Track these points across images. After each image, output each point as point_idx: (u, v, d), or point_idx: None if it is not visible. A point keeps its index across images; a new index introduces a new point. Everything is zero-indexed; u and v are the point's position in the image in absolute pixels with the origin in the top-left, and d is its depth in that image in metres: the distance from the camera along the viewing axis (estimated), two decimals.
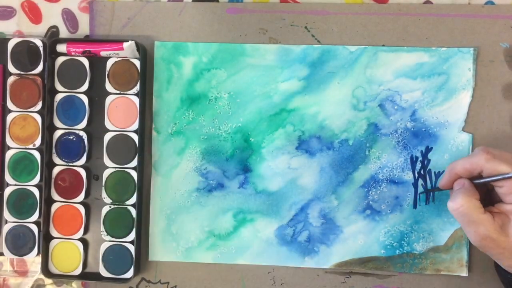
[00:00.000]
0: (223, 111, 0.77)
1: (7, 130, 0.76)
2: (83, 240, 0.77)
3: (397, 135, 0.75)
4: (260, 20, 0.76)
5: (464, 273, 0.75)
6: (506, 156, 0.65)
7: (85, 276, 0.77)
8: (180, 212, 0.77)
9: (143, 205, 0.77)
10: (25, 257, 0.77)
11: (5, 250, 0.77)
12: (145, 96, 0.77)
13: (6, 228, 0.77)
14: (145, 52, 0.76)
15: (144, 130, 0.77)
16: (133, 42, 0.73)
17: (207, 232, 0.77)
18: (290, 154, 0.76)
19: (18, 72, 0.76)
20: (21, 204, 0.76)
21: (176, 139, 0.77)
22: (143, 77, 0.76)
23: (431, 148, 0.75)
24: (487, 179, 0.65)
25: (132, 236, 0.75)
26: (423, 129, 0.75)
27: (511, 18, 0.74)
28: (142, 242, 0.77)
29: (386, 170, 0.75)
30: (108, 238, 0.76)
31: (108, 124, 0.76)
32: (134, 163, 0.75)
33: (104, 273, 0.76)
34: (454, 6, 0.75)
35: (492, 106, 0.75)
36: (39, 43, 0.75)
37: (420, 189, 0.75)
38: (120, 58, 0.75)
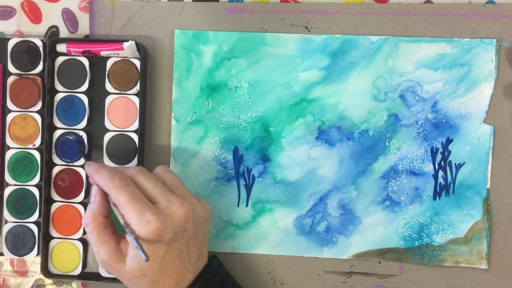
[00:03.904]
0: (243, 100, 0.76)
1: (7, 130, 0.76)
2: (82, 240, 0.77)
3: (417, 126, 0.75)
4: (260, 19, 0.76)
5: (484, 265, 0.75)
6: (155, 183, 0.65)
7: (85, 276, 0.77)
8: None
9: None
10: (25, 257, 0.77)
11: (5, 250, 0.76)
12: (145, 96, 0.77)
13: (6, 228, 0.76)
14: (145, 52, 0.76)
15: (144, 130, 0.77)
16: (133, 42, 0.73)
17: (225, 221, 0.77)
18: (310, 144, 0.76)
19: (18, 72, 0.75)
20: (21, 204, 0.76)
21: (196, 128, 0.77)
22: (143, 77, 0.75)
23: (452, 139, 0.75)
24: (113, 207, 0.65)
25: None
26: (444, 121, 0.75)
27: None
28: None
29: (406, 161, 0.76)
30: None
31: (108, 124, 0.75)
32: (134, 163, 0.75)
33: (104, 273, 0.76)
34: (454, 6, 0.74)
35: (493, 104, 0.75)
36: (38, 43, 0.75)
37: (440, 180, 0.75)
38: (120, 58, 0.75)
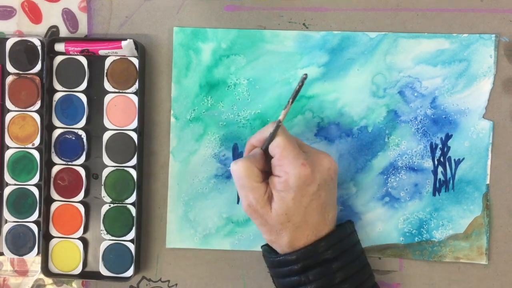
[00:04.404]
0: (242, 97, 0.76)
1: (6, 130, 0.76)
2: (83, 239, 0.77)
3: (416, 122, 0.75)
4: (258, 17, 0.76)
5: (484, 261, 0.75)
6: (291, 138, 0.66)
7: (85, 275, 0.77)
8: (198, 199, 0.77)
9: (142, 204, 0.77)
10: (25, 257, 0.77)
11: (5, 250, 0.77)
12: (144, 94, 0.77)
13: (6, 227, 0.77)
14: (143, 51, 0.76)
15: (143, 128, 0.77)
16: (131, 40, 0.73)
17: (225, 218, 0.77)
18: (309, 141, 0.76)
19: (17, 71, 0.76)
20: (20, 203, 0.76)
21: (195, 125, 0.77)
22: (142, 76, 0.75)
23: (451, 135, 0.75)
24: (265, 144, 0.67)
25: (132, 234, 0.75)
26: (443, 116, 0.75)
27: (510, 12, 0.74)
28: (145, 237, 0.77)
29: (406, 157, 0.75)
30: (108, 237, 0.76)
31: (107, 123, 0.76)
32: (134, 161, 0.75)
33: (104, 272, 0.76)
34: (452, 1, 0.74)
35: (492, 100, 0.75)
36: (37, 42, 0.75)
37: (440, 176, 0.75)
38: (119, 57, 0.75)
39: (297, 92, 0.63)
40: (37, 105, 0.76)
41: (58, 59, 0.76)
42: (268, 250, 0.71)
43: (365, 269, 0.69)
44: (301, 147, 0.68)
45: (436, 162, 0.75)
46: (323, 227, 0.67)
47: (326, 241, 0.66)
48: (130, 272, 0.75)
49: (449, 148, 0.75)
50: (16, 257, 0.77)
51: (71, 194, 0.76)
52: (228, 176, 0.76)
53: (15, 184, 0.76)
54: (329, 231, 0.67)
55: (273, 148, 0.65)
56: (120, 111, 0.75)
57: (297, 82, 0.75)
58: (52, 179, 0.76)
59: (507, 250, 0.75)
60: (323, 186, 0.65)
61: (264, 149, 0.67)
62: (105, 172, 0.76)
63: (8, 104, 0.76)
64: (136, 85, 0.75)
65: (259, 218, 0.66)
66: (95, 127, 0.77)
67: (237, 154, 0.76)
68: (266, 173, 0.67)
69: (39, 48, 0.75)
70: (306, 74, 0.62)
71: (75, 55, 0.75)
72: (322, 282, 0.65)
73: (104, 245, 0.76)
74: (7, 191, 0.77)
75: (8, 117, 0.76)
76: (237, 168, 0.65)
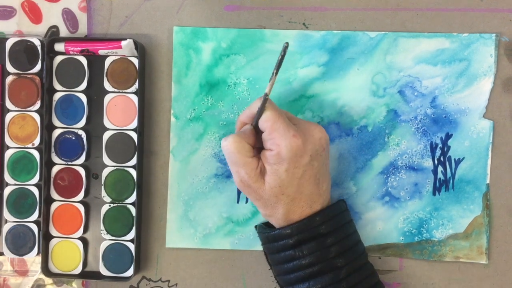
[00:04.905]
0: (242, 97, 0.76)
1: (6, 130, 0.76)
2: (83, 239, 0.77)
3: (416, 121, 0.75)
4: (258, 17, 0.76)
5: (484, 260, 0.75)
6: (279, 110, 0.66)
7: (85, 275, 0.77)
8: (198, 198, 0.77)
9: (142, 204, 0.77)
10: (25, 257, 0.77)
11: (5, 249, 0.77)
12: (144, 94, 0.77)
13: (6, 227, 0.76)
14: (143, 50, 0.76)
15: (143, 128, 0.77)
16: (131, 40, 0.73)
17: (225, 218, 0.77)
18: None
19: (16, 71, 0.76)
20: (20, 203, 0.76)
21: (195, 125, 0.77)
22: (142, 76, 0.75)
23: (451, 134, 0.75)
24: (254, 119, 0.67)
25: (132, 234, 0.75)
26: (443, 116, 0.75)
27: (510, 12, 0.74)
28: (145, 237, 0.77)
29: (406, 157, 0.75)
30: (108, 236, 0.76)
31: (107, 123, 0.76)
32: (133, 161, 0.75)
33: (104, 271, 0.76)
34: (453, 0, 0.74)
35: (492, 99, 0.75)
36: (37, 42, 0.75)
37: (440, 175, 0.75)
38: (119, 57, 0.75)
39: (280, 62, 0.63)
40: (37, 105, 0.76)
41: (58, 59, 0.76)
42: (262, 226, 0.72)
43: (359, 247, 0.69)
44: (291, 120, 0.68)
45: (436, 162, 0.75)
46: (318, 198, 0.67)
47: (320, 216, 0.66)
48: (130, 272, 0.75)
49: (449, 147, 0.75)
50: (16, 257, 0.77)
51: (71, 194, 0.76)
52: (228, 176, 0.76)
53: (15, 184, 0.76)
54: (324, 206, 0.68)
55: (263, 123, 0.65)
56: (120, 111, 0.75)
57: (297, 81, 0.75)
58: (52, 179, 0.76)
59: (507, 249, 0.75)
60: (315, 156, 0.66)
61: (254, 125, 0.67)
62: (105, 172, 0.76)
63: (8, 104, 0.76)
64: (136, 85, 0.75)
65: (252, 193, 0.67)
66: (95, 127, 0.77)
67: None
68: (258, 149, 0.67)
69: (39, 48, 0.75)
70: (287, 43, 0.62)
71: (75, 55, 0.75)
72: (316, 256, 0.65)
73: (104, 245, 0.76)
74: (7, 191, 0.77)
75: (8, 117, 0.76)
76: (227, 144, 0.65)
